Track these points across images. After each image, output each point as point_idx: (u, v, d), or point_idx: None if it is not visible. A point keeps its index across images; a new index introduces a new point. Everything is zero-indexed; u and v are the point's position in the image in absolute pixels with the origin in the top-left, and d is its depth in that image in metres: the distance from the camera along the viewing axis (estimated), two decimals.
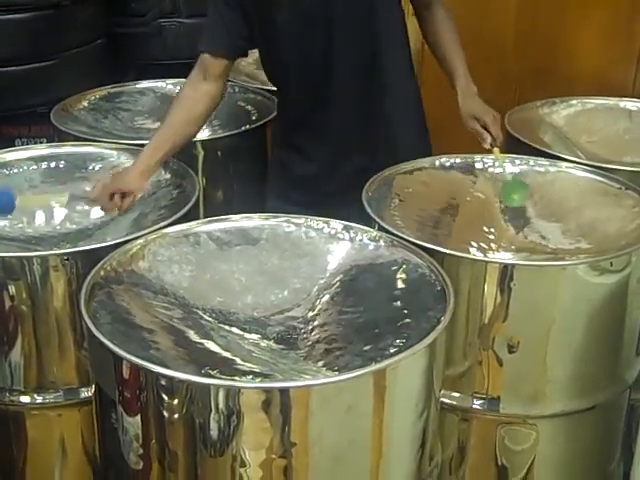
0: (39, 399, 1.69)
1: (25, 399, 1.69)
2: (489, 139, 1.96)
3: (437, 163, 2.04)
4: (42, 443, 1.75)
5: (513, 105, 2.54)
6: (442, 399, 1.53)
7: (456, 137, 3.22)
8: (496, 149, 1.98)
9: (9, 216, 1.86)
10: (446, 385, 1.60)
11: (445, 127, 3.32)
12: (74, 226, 1.91)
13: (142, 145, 2.11)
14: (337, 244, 1.61)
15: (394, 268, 1.53)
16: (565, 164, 2.02)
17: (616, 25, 2.90)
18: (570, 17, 2.96)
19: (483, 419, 1.69)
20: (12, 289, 1.61)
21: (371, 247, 1.59)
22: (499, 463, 1.72)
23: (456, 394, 1.67)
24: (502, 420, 1.68)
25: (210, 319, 1.47)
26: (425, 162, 2.03)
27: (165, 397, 1.22)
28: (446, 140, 3.19)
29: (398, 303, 1.45)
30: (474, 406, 1.67)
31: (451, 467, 1.73)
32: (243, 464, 1.23)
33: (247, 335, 1.44)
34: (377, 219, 1.69)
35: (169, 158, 1.97)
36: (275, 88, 2.15)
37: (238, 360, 1.34)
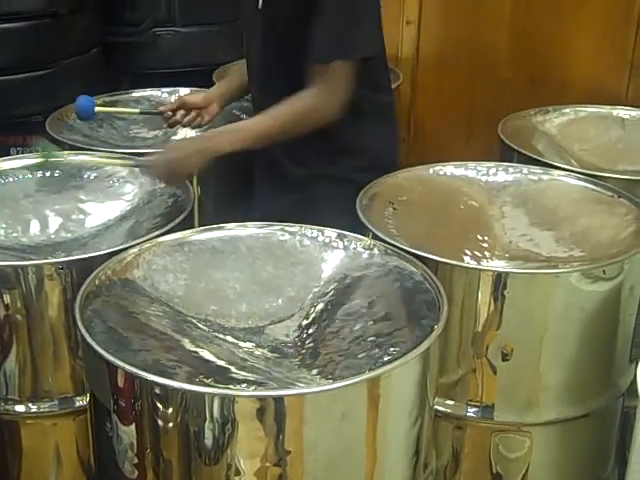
0: (34, 408, 1.69)
1: (20, 408, 1.69)
2: None
3: (431, 171, 2.04)
4: (37, 452, 1.75)
5: (507, 113, 2.55)
6: (436, 407, 1.54)
7: (449, 143, 3.25)
8: None
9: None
10: (440, 393, 1.60)
11: (438, 133, 3.36)
12: (69, 235, 1.91)
13: (137, 154, 2.13)
14: (331, 252, 1.62)
15: (388, 276, 1.54)
16: (558, 172, 2.03)
17: (609, 34, 2.92)
18: (563, 26, 2.97)
19: (477, 427, 1.69)
20: (7, 298, 1.60)
21: (365, 255, 1.60)
22: (493, 471, 1.72)
23: (450, 402, 1.68)
24: (496, 428, 1.68)
25: (205, 327, 1.47)
26: (419, 170, 2.04)
27: (160, 406, 1.22)
28: (439, 146, 3.22)
29: (392, 311, 1.46)
30: (468, 414, 1.68)
31: (446, 475, 1.74)
32: (238, 472, 1.23)
33: (241, 343, 1.44)
34: (371, 227, 1.69)
35: None
36: None
37: (232, 369, 1.34)
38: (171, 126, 2.28)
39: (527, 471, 1.72)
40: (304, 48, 1.82)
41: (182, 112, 2.22)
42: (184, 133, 2.53)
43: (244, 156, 1.91)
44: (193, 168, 1.88)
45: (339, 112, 1.85)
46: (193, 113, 2.22)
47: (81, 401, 1.67)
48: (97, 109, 2.21)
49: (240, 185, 2.32)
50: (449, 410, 1.68)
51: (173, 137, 2.50)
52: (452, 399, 1.67)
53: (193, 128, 2.31)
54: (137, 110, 2.43)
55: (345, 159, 1.99)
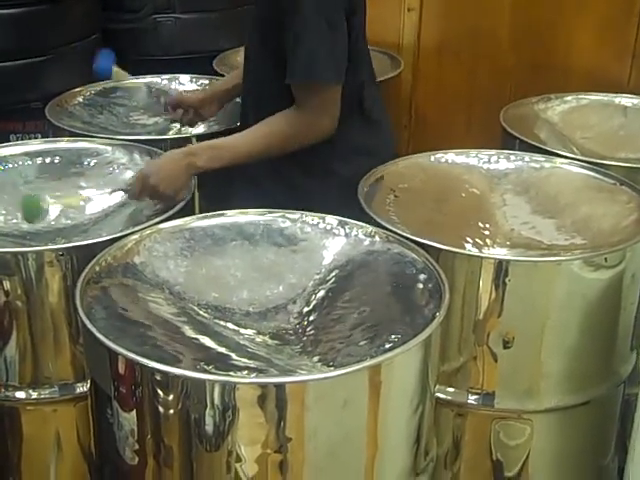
0: (34, 394, 1.69)
1: (20, 394, 1.69)
2: None
3: (432, 159, 2.03)
4: (37, 439, 1.75)
5: (508, 100, 2.55)
6: (437, 394, 1.54)
7: (451, 131, 3.24)
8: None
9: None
10: (441, 380, 1.60)
11: (440, 121, 3.35)
12: (69, 221, 1.91)
13: (137, 140, 2.12)
14: (332, 239, 1.61)
15: (389, 263, 1.54)
16: (560, 160, 2.03)
17: (611, 21, 2.91)
18: (565, 13, 2.96)
19: (478, 414, 1.69)
20: (7, 284, 1.60)
21: (366, 242, 1.59)
22: (494, 458, 1.72)
23: (451, 389, 1.68)
24: (497, 415, 1.68)
25: (205, 314, 1.47)
26: (420, 158, 2.03)
27: (160, 392, 1.22)
28: (441, 134, 3.21)
29: (393, 298, 1.46)
30: (469, 401, 1.68)
31: (446, 462, 1.74)
32: (238, 459, 1.23)
33: (242, 330, 1.44)
34: (372, 214, 1.69)
35: None
36: None
37: (233, 355, 1.34)
38: (172, 121, 2.36)
39: (527, 458, 1.72)
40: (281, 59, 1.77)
41: (180, 110, 2.27)
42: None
43: None
44: (180, 187, 1.80)
45: (328, 132, 1.81)
46: (192, 112, 2.25)
47: (81, 387, 1.68)
48: (114, 68, 2.41)
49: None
50: (450, 397, 1.68)
51: (173, 124, 2.48)
52: (453, 386, 1.67)
53: (191, 127, 2.33)
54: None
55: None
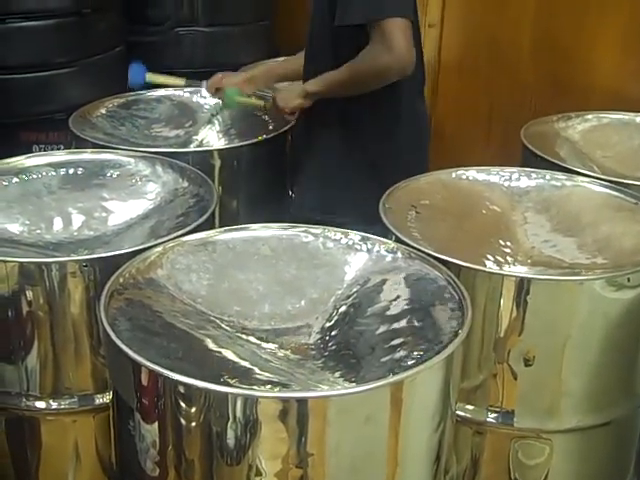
0: (54, 405, 1.70)
1: (40, 404, 1.70)
2: None
3: (454, 175, 2.04)
4: (56, 448, 1.76)
5: (529, 117, 2.54)
6: (456, 412, 1.53)
7: (470, 147, 3.24)
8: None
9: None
10: (460, 398, 1.59)
11: (459, 137, 3.35)
12: (91, 233, 1.92)
13: (160, 153, 2.13)
14: (355, 255, 1.62)
15: (411, 280, 1.54)
16: (581, 178, 2.02)
17: (633, 38, 2.90)
18: (587, 29, 2.96)
19: (497, 433, 1.68)
20: (30, 294, 1.61)
21: (388, 259, 1.59)
22: (512, 477, 1.71)
23: (470, 407, 1.67)
24: (516, 434, 1.68)
25: (228, 328, 1.47)
26: (442, 174, 2.03)
27: (183, 405, 1.22)
28: (460, 150, 3.21)
29: (415, 315, 1.46)
30: (488, 419, 1.67)
31: None
32: (259, 473, 1.23)
33: (264, 344, 1.44)
34: (394, 231, 1.69)
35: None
36: None
37: (256, 369, 1.34)
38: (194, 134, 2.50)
39: (546, 478, 1.71)
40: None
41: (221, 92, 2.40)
42: (205, 133, 2.55)
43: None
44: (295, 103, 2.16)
45: (407, 67, 1.97)
46: None
47: (101, 399, 1.69)
48: (147, 76, 2.44)
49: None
50: (469, 415, 1.67)
51: (194, 137, 2.50)
52: (472, 404, 1.67)
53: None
54: (182, 82, 2.55)
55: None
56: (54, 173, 2.07)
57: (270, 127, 2.46)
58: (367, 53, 1.98)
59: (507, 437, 1.68)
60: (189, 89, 2.72)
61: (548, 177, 2.04)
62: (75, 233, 1.92)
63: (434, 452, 1.35)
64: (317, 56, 2.18)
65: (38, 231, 1.90)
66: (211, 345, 1.40)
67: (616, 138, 2.48)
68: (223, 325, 1.48)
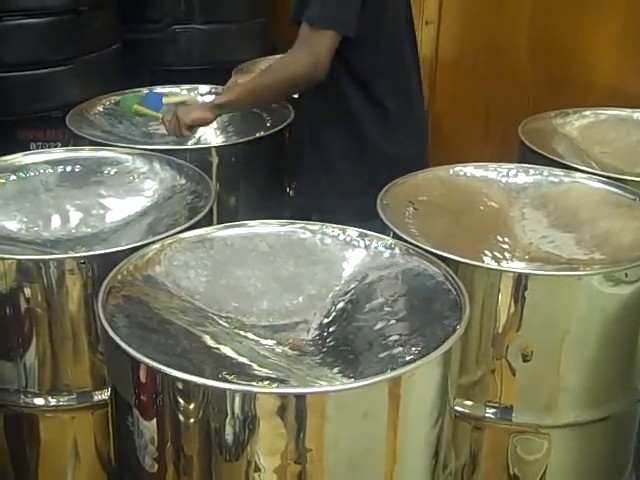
0: (53, 402, 1.70)
1: (39, 401, 1.70)
2: None
3: (451, 172, 2.04)
4: (55, 445, 1.76)
5: (527, 115, 2.54)
6: (455, 407, 1.54)
7: (468, 144, 3.24)
8: None
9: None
10: (459, 393, 1.59)
11: (457, 134, 3.35)
12: (89, 230, 1.92)
13: (158, 150, 2.13)
14: (352, 251, 1.62)
15: (409, 276, 1.54)
16: (579, 175, 2.02)
17: (630, 35, 2.90)
18: (584, 27, 2.96)
19: (495, 428, 1.69)
20: (28, 292, 1.61)
21: (386, 255, 1.59)
22: (511, 472, 1.72)
23: (469, 402, 1.68)
24: (514, 429, 1.68)
25: (226, 324, 1.47)
26: (440, 171, 2.04)
27: (181, 401, 1.22)
28: (458, 147, 3.21)
29: (413, 311, 1.46)
30: (487, 415, 1.67)
31: (463, 476, 1.73)
32: (258, 469, 1.23)
33: (262, 341, 1.44)
34: (392, 227, 1.69)
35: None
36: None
37: (254, 365, 1.34)
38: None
39: (544, 473, 1.71)
40: None
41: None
42: (203, 130, 2.54)
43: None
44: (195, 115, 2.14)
45: (313, 74, 1.96)
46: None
47: (100, 395, 1.69)
48: (165, 100, 2.47)
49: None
50: (467, 410, 1.67)
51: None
52: (471, 399, 1.67)
53: None
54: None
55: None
56: (51, 170, 2.06)
57: (267, 124, 2.47)
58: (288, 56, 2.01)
59: (506, 432, 1.68)
60: (186, 86, 2.72)
61: (546, 173, 2.04)
62: (73, 230, 1.92)
63: (433, 447, 1.35)
64: None
65: (36, 228, 1.90)
66: (209, 341, 1.41)
67: (614, 134, 2.48)
68: (221, 321, 1.48)
